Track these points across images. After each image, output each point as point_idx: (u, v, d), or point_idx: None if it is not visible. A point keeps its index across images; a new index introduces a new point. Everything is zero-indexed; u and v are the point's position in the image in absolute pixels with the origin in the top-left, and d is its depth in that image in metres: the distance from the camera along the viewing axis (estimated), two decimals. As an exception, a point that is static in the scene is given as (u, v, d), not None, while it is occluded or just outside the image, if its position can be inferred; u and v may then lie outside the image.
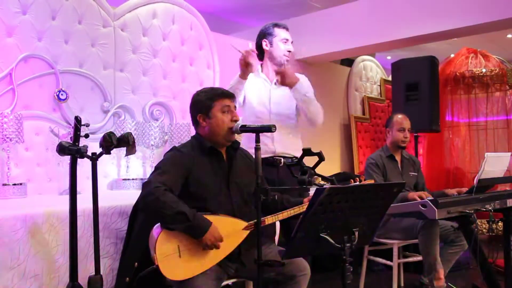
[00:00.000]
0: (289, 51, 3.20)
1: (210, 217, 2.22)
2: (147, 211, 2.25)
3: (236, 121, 2.42)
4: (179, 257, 2.16)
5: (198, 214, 2.17)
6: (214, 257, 2.21)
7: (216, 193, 2.36)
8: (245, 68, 2.96)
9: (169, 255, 2.13)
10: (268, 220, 2.38)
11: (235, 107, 2.49)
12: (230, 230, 2.27)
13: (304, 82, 3.11)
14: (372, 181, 3.03)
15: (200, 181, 2.34)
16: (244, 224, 2.33)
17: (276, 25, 3.25)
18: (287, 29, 3.25)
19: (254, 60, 3.00)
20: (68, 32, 3.72)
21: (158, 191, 2.13)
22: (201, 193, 2.32)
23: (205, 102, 2.43)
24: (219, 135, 2.41)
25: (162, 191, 2.14)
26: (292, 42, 3.24)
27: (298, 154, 2.68)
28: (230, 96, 2.49)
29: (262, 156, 2.69)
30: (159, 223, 2.19)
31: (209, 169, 2.39)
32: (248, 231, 2.34)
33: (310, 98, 3.05)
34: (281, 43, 3.19)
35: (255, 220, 2.20)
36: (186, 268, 2.15)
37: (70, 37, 3.73)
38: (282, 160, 3.06)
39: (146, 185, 2.20)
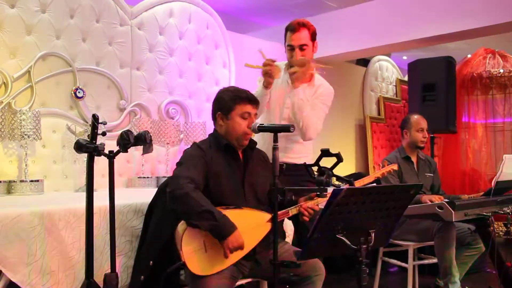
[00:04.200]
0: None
1: (234, 211, 2.24)
2: (175, 206, 2.20)
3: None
4: (205, 252, 2.17)
5: (226, 216, 2.16)
6: (239, 251, 2.21)
7: (231, 190, 2.36)
8: (268, 78, 2.78)
9: (196, 251, 2.15)
10: (292, 211, 2.36)
11: (255, 114, 2.45)
12: (254, 223, 2.27)
13: (318, 91, 2.94)
14: (395, 166, 2.93)
15: (217, 177, 2.34)
16: (268, 216, 2.33)
17: (286, 27, 2.94)
18: (295, 30, 2.88)
19: (276, 71, 2.77)
20: (86, 31, 3.75)
21: (188, 187, 2.15)
22: (217, 189, 2.32)
23: (227, 103, 2.40)
24: (232, 137, 2.41)
25: (192, 188, 2.15)
26: (302, 47, 2.87)
27: (307, 161, 2.61)
28: (254, 102, 2.43)
29: None
30: (183, 221, 2.20)
31: (225, 166, 2.39)
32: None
33: (303, 105, 2.82)
34: (288, 51, 2.94)
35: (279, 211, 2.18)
36: (212, 263, 2.16)
37: (88, 35, 3.76)
38: (285, 165, 2.95)
39: (173, 179, 2.21)
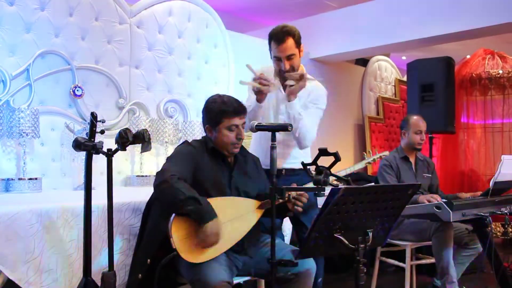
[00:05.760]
0: (286, 71, 2.75)
1: (222, 199, 2.28)
2: (161, 198, 2.27)
3: (240, 139, 2.42)
4: (196, 239, 2.18)
5: (210, 204, 2.18)
6: (229, 238, 2.24)
7: (216, 192, 2.37)
8: (259, 94, 2.68)
9: (186, 237, 2.16)
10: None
11: (244, 123, 2.45)
12: (243, 210, 2.31)
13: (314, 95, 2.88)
14: (385, 152, 2.91)
15: (204, 177, 2.37)
16: (257, 203, 2.37)
17: (270, 36, 2.80)
18: (279, 41, 2.73)
19: (267, 86, 2.66)
20: (85, 29, 3.75)
21: (172, 179, 2.17)
22: (204, 190, 2.33)
23: (215, 116, 2.41)
24: (221, 148, 2.44)
25: (176, 179, 2.17)
26: (289, 57, 2.75)
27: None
28: (241, 113, 2.43)
29: (263, 167, 2.68)
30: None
31: (213, 169, 2.42)
32: (262, 210, 2.37)
33: (300, 118, 2.73)
34: (275, 61, 2.81)
35: (269, 200, 2.21)
36: (204, 250, 2.17)
37: (87, 33, 3.76)
38: (284, 170, 2.89)
39: (160, 173, 2.23)
